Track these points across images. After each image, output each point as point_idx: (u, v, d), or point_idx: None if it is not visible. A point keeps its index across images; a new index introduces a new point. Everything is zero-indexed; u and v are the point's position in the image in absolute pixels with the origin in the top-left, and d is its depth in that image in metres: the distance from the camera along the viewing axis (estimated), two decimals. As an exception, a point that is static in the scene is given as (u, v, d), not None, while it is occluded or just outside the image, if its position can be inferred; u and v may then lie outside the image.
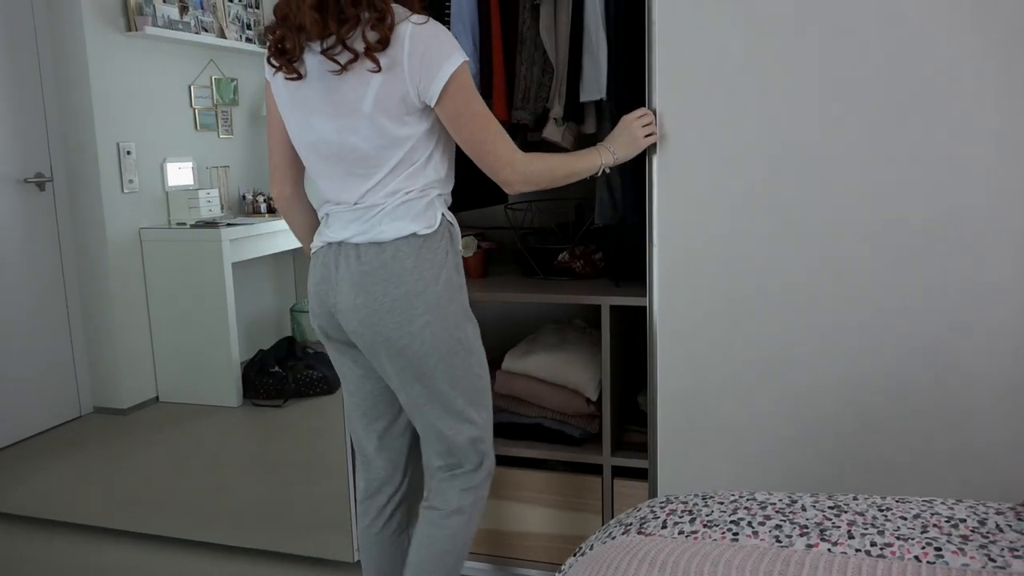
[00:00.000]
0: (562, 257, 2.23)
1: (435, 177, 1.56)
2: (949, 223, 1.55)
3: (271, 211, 4.33)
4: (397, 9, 1.45)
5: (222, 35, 4.26)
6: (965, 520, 1.07)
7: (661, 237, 1.72)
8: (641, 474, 2.07)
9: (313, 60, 1.48)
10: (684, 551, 0.98)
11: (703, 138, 1.66)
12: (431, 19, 1.45)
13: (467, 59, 1.47)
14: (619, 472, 2.09)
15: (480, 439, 1.66)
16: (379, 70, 1.42)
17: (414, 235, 1.52)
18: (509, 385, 2.15)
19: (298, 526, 2.58)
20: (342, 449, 2.31)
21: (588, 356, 2.13)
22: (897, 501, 1.14)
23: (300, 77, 1.49)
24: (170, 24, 3.91)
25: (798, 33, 1.57)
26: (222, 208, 4.22)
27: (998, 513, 1.10)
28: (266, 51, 1.53)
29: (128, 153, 3.75)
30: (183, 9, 4.02)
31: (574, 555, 1.15)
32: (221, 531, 2.57)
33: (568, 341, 2.20)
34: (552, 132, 2.07)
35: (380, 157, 1.50)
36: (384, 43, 1.41)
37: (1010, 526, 1.06)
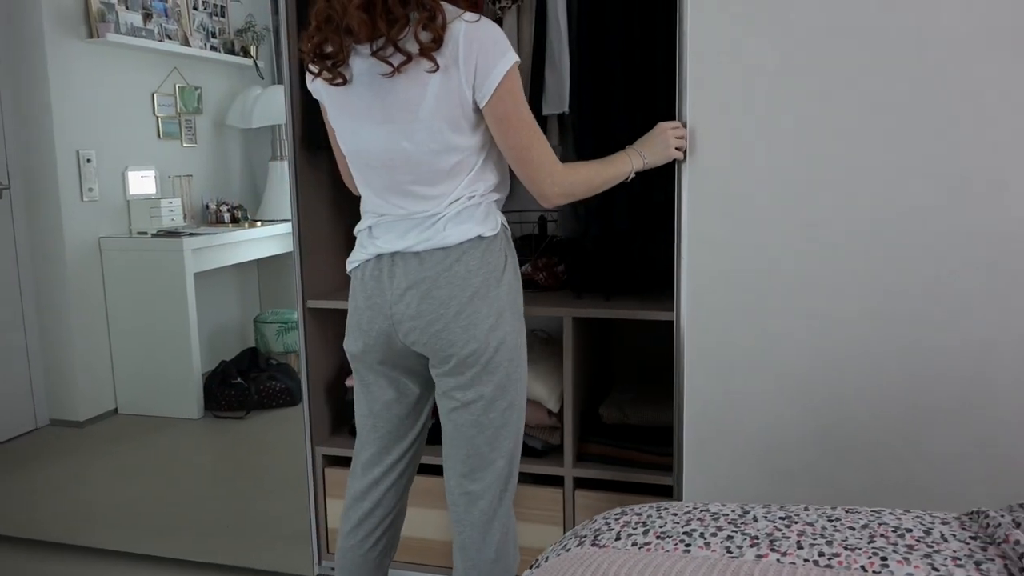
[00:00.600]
0: (525, 269, 2.24)
1: (494, 181, 1.54)
2: (984, 239, 1.55)
3: (235, 221, 4.29)
4: (447, 8, 1.41)
5: (186, 43, 4.23)
6: (911, 530, 1.09)
7: (690, 251, 1.71)
8: (602, 485, 2.09)
9: (362, 64, 1.43)
10: (636, 563, 0.99)
11: (733, 152, 1.65)
12: (483, 17, 1.42)
13: (519, 60, 1.44)
14: (580, 483, 2.10)
15: (513, 456, 1.60)
16: (437, 69, 1.38)
17: (479, 237, 1.50)
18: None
19: (258, 540, 2.56)
20: (304, 462, 2.29)
21: (550, 368, 2.14)
22: (847, 511, 1.16)
23: (345, 82, 1.44)
24: (133, 31, 3.88)
25: (832, 48, 1.57)
26: (185, 218, 4.18)
27: (943, 523, 1.13)
28: (306, 57, 1.47)
29: (88, 161, 3.70)
30: (147, 16, 3.98)
31: (531, 567, 1.15)
32: (180, 546, 2.53)
33: (531, 352, 2.21)
34: None
35: (435, 163, 1.46)
36: (438, 42, 1.37)
37: (955, 535, 1.08)
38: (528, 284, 2.24)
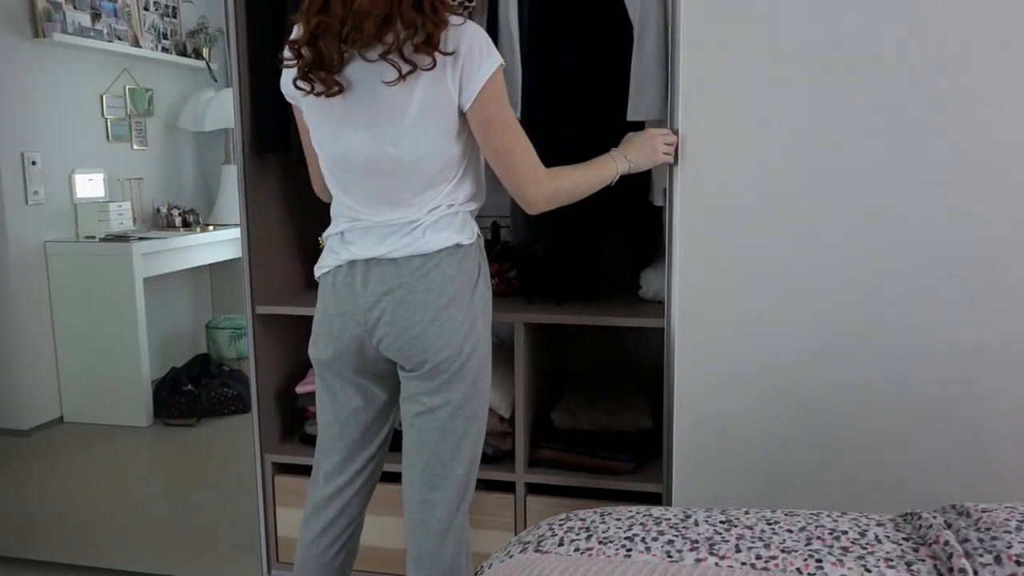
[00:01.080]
0: (477, 275, 2.24)
1: (472, 191, 1.54)
2: (970, 247, 1.58)
3: (186, 225, 4.23)
4: None
5: (137, 44, 4.16)
6: (847, 532, 1.12)
7: (682, 259, 1.71)
8: (554, 491, 2.09)
9: (354, 72, 1.42)
10: (577, 568, 0.99)
11: (725, 160, 1.67)
12: (468, 20, 1.43)
13: (503, 63, 1.44)
14: (532, 489, 2.10)
15: (474, 457, 1.59)
16: (433, 65, 1.37)
17: (457, 246, 1.50)
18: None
19: (207, 549, 2.51)
20: (254, 469, 2.26)
21: (502, 373, 2.14)
22: (786, 514, 1.18)
23: (342, 90, 1.42)
24: (81, 31, 3.80)
25: (823, 56, 1.59)
26: (135, 221, 4.10)
27: (879, 524, 1.15)
28: (288, 68, 1.46)
29: (33, 163, 3.62)
30: (95, 16, 3.91)
31: (475, 574, 1.15)
32: (127, 557, 2.48)
33: (482, 358, 2.21)
34: None
35: (419, 170, 1.46)
36: (430, 44, 1.36)
37: (888, 537, 1.11)
38: (480, 290, 2.24)
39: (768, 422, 1.72)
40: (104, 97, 4.01)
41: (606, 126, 1.99)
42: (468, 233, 1.53)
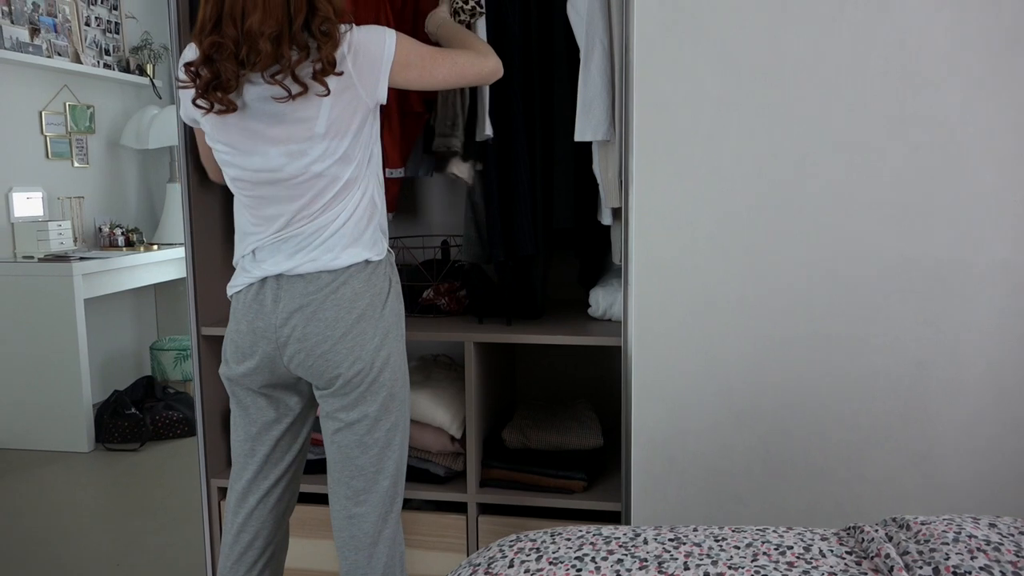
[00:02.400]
0: (427, 294, 2.23)
1: (378, 202, 1.59)
2: (918, 266, 1.62)
3: (129, 244, 4.13)
4: None
5: (78, 60, 4.07)
6: (792, 547, 1.13)
7: (638, 278, 1.73)
8: (506, 511, 2.09)
9: (254, 90, 1.45)
10: (527, 590, 0.99)
11: (680, 179, 1.69)
12: (354, 25, 1.49)
13: (396, 33, 1.51)
14: (484, 509, 2.09)
15: (398, 474, 1.61)
16: (328, 94, 1.43)
17: (366, 262, 1.53)
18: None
19: (150, 578, 2.44)
20: (199, 494, 2.21)
21: (453, 393, 2.13)
22: (733, 531, 1.19)
23: (235, 109, 1.45)
24: (19, 46, 3.71)
25: (775, 76, 1.63)
26: (75, 241, 4.00)
27: (823, 539, 1.17)
28: (185, 89, 1.48)
29: (-32, 182, 3.51)
30: (34, 31, 3.82)
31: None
32: (63, 587, 2.39)
33: (433, 378, 2.20)
34: (459, 168, 2.08)
35: (330, 176, 1.49)
36: (333, 65, 1.42)
37: (832, 551, 1.12)
38: (430, 309, 2.23)
39: (724, 440, 1.74)
40: (43, 114, 3.91)
41: (553, 147, 2.01)
42: (378, 249, 1.57)
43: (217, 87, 1.43)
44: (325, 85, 1.42)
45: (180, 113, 1.56)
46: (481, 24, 2.00)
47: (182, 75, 1.48)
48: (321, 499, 2.12)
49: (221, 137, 1.51)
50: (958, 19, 1.57)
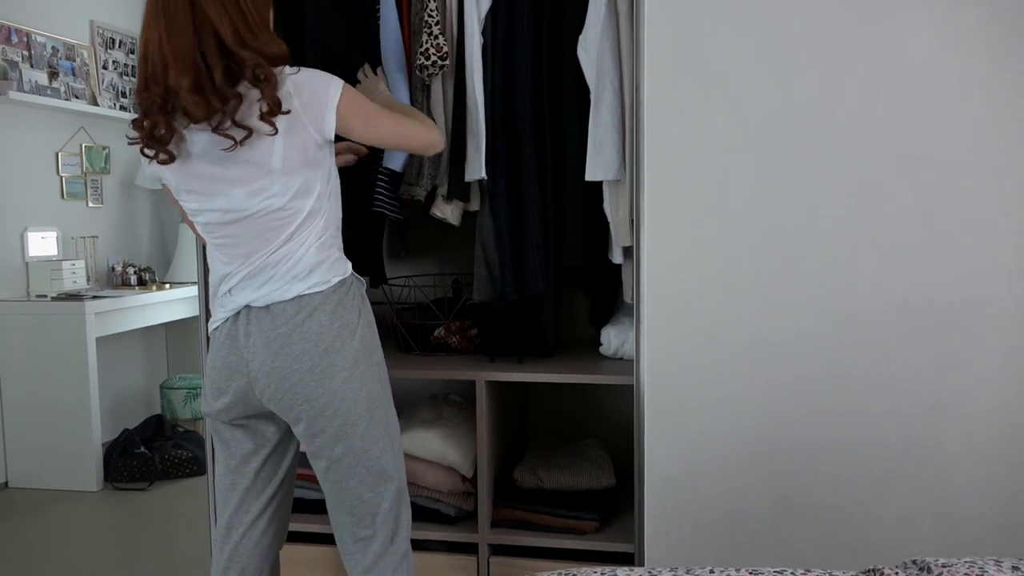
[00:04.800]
0: (438, 332, 2.23)
1: (335, 227, 1.63)
2: (932, 306, 1.62)
3: (142, 283, 4.16)
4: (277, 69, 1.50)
5: (94, 102, 4.13)
6: (811, 589, 1.11)
7: (651, 318, 1.73)
8: (518, 551, 2.06)
9: (202, 139, 1.49)
10: (542, 634, 0.97)
11: (691, 218, 1.69)
12: (302, 68, 1.54)
13: (343, 83, 1.55)
14: (495, 550, 2.07)
15: (400, 496, 1.64)
16: (276, 133, 1.47)
17: (330, 292, 1.56)
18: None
19: (157, 620, 2.41)
20: (208, 534, 2.19)
21: (463, 432, 2.12)
22: (750, 573, 1.17)
23: (174, 159, 1.51)
24: (37, 89, 3.77)
25: (783, 117, 1.64)
26: (88, 280, 4.03)
27: (842, 581, 1.15)
28: (135, 142, 1.54)
29: (-16, 221, 3.55)
30: (52, 75, 3.89)
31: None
32: (70, 630, 2.37)
33: (444, 417, 2.19)
34: (442, 209, 2.10)
35: (292, 209, 1.54)
36: (279, 106, 1.46)
37: (851, 594, 1.11)
38: (441, 347, 2.23)
39: (738, 480, 1.72)
40: (60, 155, 3.97)
41: (564, 186, 2.02)
42: (340, 270, 1.60)
43: (153, 139, 1.50)
44: (272, 125, 1.47)
45: (144, 177, 1.63)
46: (437, 84, 2.03)
47: (131, 132, 1.55)
48: (314, 538, 2.11)
49: (184, 186, 1.56)
50: (966, 61, 1.58)
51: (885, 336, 1.64)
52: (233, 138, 1.46)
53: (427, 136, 1.69)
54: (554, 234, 2.04)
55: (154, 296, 3.99)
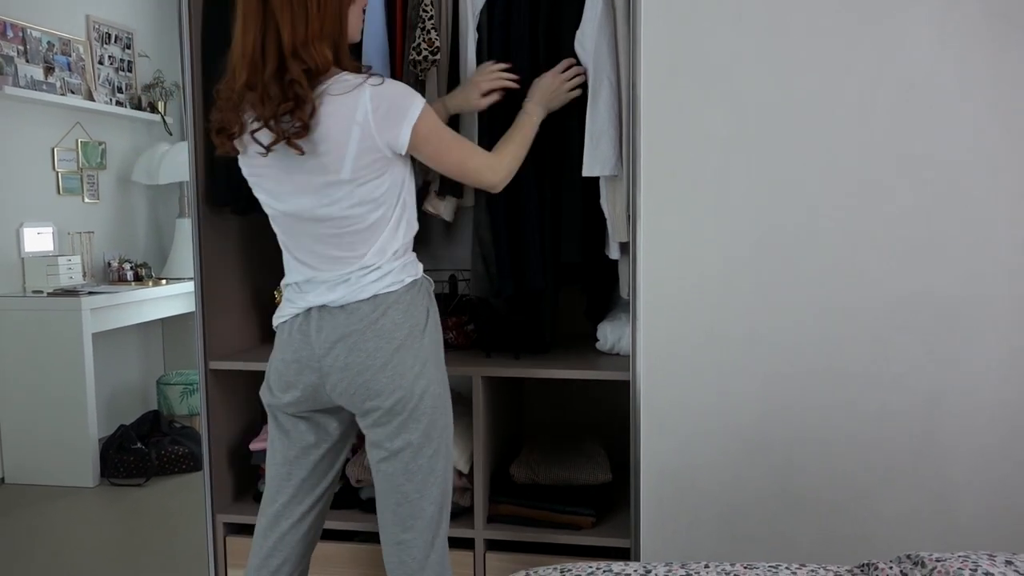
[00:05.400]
0: (435, 328, 2.23)
1: (409, 234, 1.64)
2: (928, 301, 1.62)
3: (138, 279, 4.15)
4: (348, 77, 1.50)
5: (90, 97, 4.12)
6: (806, 584, 1.12)
7: (647, 314, 1.73)
8: (514, 547, 2.06)
9: (269, 139, 1.50)
10: (537, 628, 0.98)
11: (688, 214, 1.70)
12: (385, 79, 1.53)
13: (425, 101, 1.55)
14: (492, 545, 2.07)
15: (444, 495, 1.64)
16: (302, 153, 1.48)
17: (402, 291, 1.58)
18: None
19: (154, 616, 2.42)
20: (204, 530, 2.19)
21: (460, 428, 2.12)
22: (744, 567, 1.18)
23: (236, 153, 1.57)
24: (33, 84, 3.76)
25: (780, 112, 1.64)
26: (84, 275, 4.02)
27: (836, 576, 1.16)
28: (212, 133, 1.59)
29: (-20, 217, 3.54)
30: (48, 70, 3.88)
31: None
32: (66, 625, 2.37)
33: (440, 413, 2.19)
34: (435, 205, 2.09)
35: (358, 220, 1.54)
36: (305, 129, 1.46)
37: (846, 588, 1.11)
38: (438, 343, 2.23)
39: (734, 476, 1.72)
40: (55, 150, 3.96)
41: (561, 182, 2.02)
42: (411, 271, 1.62)
43: (220, 131, 1.55)
44: (298, 148, 1.47)
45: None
46: (432, 81, 2.03)
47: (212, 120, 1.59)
48: (344, 536, 2.12)
49: (255, 182, 1.61)
50: (965, 58, 1.58)
51: (882, 332, 1.65)
52: (260, 142, 1.49)
53: (492, 178, 1.68)
54: (551, 230, 2.03)
55: (150, 292, 3.98)
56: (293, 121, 1.46)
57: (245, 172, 1.62)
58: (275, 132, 1.47)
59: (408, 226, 1.63)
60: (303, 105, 1.46)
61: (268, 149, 1.49)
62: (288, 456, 1.68)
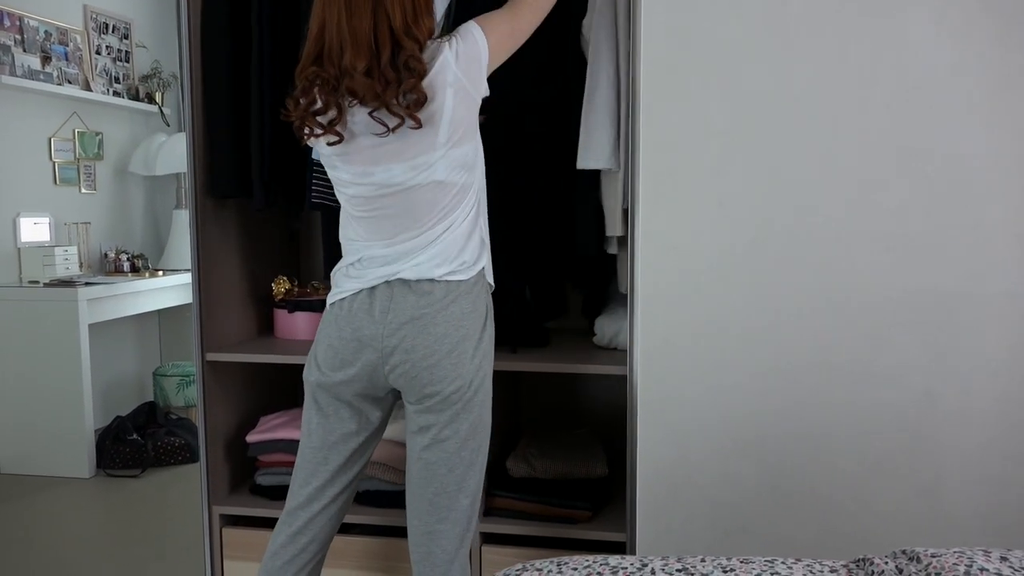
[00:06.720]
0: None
1: (484, 201, 1.65)
2: (924, 297, 1.62)
3: (135, 270, 4.14)
4: (430, 42, 1.53)
5: (87, 87, 4.11)
6: (801, 579, 1.12)
7: (644, 309, 1.73)
8: (511, 540, 2.07)
9: (363, 114, 1.51)
10: (534, 621, 0.98)
11: (686, 209, 1.70)
12: (451, 34, 1.56)
13: (481, 29, 1.57)
14: (488, 539, 2.07)
15: (478, 489, 1.65)
16: (419, 127, 1.49)
17: (473, 276, 1.58)
18: (376, 451, 2.11)
19: (149, 607, 2.42)
20: (200, 521, 2.20)
21: (457, 421, 2.12)
22: (741, 562, 1.18)
23: (342, 140, 1.53)
24: (30, 74, 3.75)
25: (778, 106, 1.64)
26: (81, 266, 4.01)
27: (832, 571, 1.16)
28: (296, 118, 1.55)
29: (-24, 207, 3.53)
30: (45, 59, 3.86)
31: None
32: (62, 615, 2.37)
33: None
34: None
35: (449, 184, 1.55)
36: (422, 102, 1.47)
37: (842, 583, 1.11)
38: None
39: (729, 470, 1.72)
40: (52, 140, 3.94)
41: (560, 176, 2.02)
42: (480, 255, 1.62)
43: (316, 112, 1.52)
44: (416, 120, 1.48)
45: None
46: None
47: (291, 107, 1.55)
48: (390, 531, 2.13)
49: (342, 160, 1.58)
50: (963, 52, 1.58)
51: (878, 326, 1.65)
52: (387, 125, 1.48)
53: (541, 15, 1.66)
54: (550, 224, 2.03)
55: (147, 283, 3.97)
56: (413, 95, 1.47)
57: (327, 152, 1.58)
58: (397, 112, 1.47)
59: (482, 195, 1.64)
60: (420, 73, 1.48)
61: (392, 130, 1.49)
62: (327, 441, 1.66)
